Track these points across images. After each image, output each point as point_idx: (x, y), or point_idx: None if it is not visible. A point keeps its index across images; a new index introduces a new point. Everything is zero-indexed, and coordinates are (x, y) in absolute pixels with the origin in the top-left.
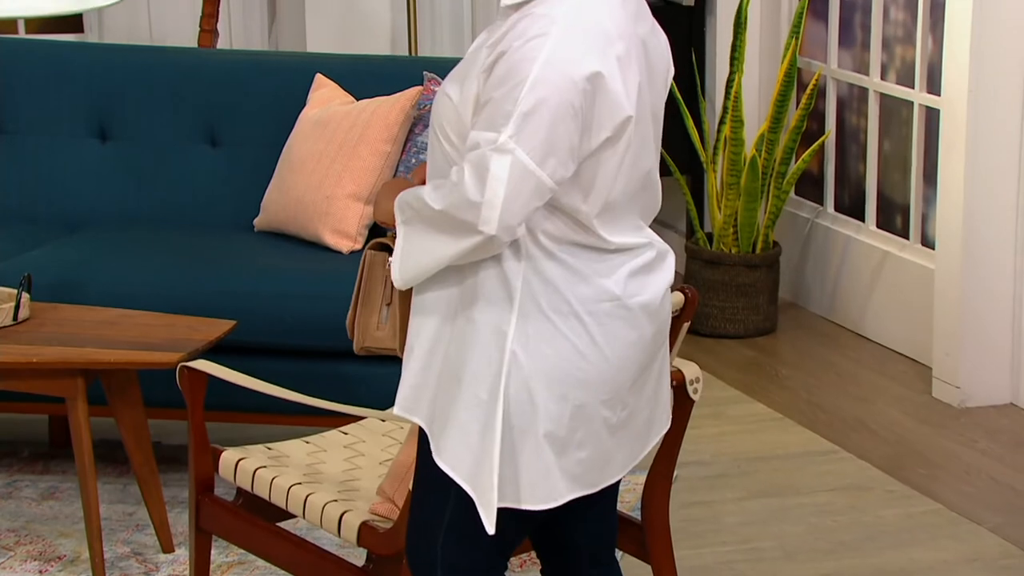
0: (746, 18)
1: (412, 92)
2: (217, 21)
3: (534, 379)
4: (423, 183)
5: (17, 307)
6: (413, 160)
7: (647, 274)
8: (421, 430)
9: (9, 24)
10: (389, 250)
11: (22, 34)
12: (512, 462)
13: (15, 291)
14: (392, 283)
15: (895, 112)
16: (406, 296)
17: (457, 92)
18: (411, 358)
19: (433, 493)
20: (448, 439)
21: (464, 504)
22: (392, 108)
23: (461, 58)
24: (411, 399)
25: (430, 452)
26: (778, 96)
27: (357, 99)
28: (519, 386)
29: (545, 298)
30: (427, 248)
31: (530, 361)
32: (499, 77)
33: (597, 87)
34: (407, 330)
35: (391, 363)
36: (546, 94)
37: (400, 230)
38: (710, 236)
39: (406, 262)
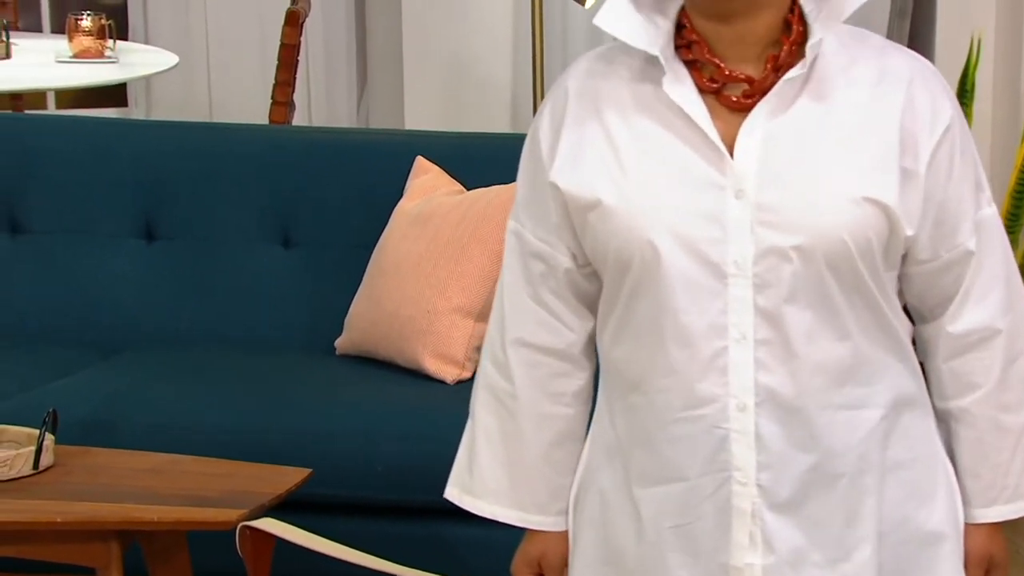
0: (974, 85)
1: None
2: (293, 91)
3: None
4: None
5: (39, 452)
6: None
7: None
8: None
9: (37, 97)
10: None
11: (52, 109)
12: None
13: (36, 432)
14: None
15: None
16: None
17: (893, 195)
18: (855, 549)
19: None
20: None
21: None
22: (512, 199)
23: None
24: None
25: None
26: (1016, 186)
27: (468, 188)
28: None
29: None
30: None
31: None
32: (960, 155)
33: None
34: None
35: (502, 527)
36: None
37: None
38: None
39: None
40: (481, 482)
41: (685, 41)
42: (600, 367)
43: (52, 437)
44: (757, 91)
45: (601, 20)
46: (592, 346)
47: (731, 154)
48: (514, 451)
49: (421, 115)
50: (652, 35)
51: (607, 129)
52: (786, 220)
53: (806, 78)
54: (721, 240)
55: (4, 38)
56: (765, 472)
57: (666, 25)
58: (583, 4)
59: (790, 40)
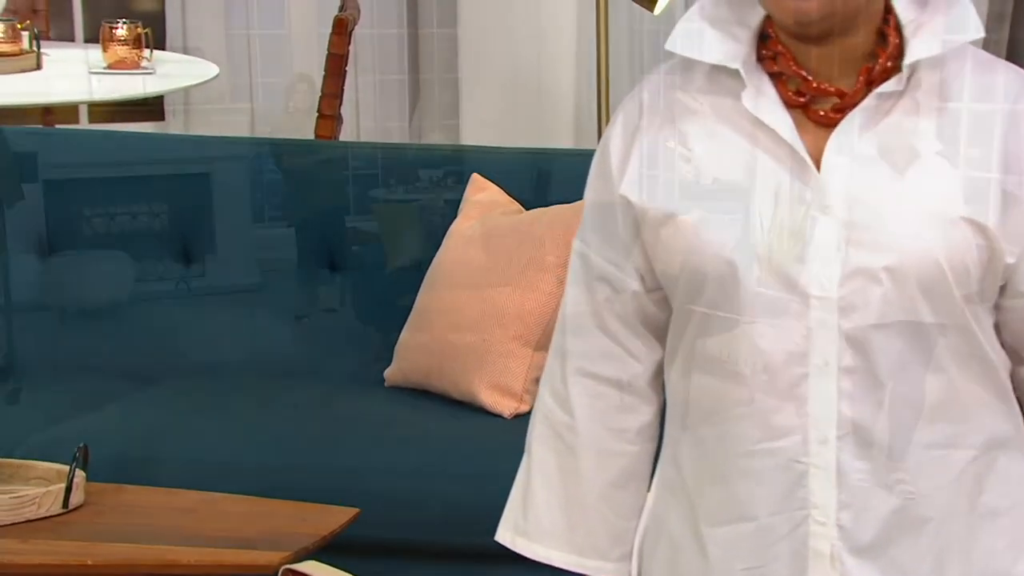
0: None
1: None
2: (341, 104)
3: None
4: None
5: (68, 490)
6: None
7: None
8: None
9: (69, 111)
10: None
11: (84, 124)
12: None
13: (66, 468)
14: None
15: None
16: None
17: (992, 217)
18: None
19: None
20: None
21: None
22: (575, 219)
23: None
24: None
25: None
26: None
27: (527, 207)
28: None
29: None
30: None
31: None
32: None
33: None
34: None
35: (560, 573)
36: None
37: None
38: None
39: None
40: (536, 523)
41: (770, 53)
42: (667, 402)
43: (83, 474)
44: (848, 105)
45: (674, 45)
46: (659, 380)
47: (817, 169)
48: (572, 489)
49: (477, 129)
50: (732, 48)
51: (684, 141)
52: (876, 239)
53: (901, 92)
54: (804, 259)
55: (35, 48)
56: (846, 511)
57: (747, 36)
58: (651, 10)
59: (886, 53)
